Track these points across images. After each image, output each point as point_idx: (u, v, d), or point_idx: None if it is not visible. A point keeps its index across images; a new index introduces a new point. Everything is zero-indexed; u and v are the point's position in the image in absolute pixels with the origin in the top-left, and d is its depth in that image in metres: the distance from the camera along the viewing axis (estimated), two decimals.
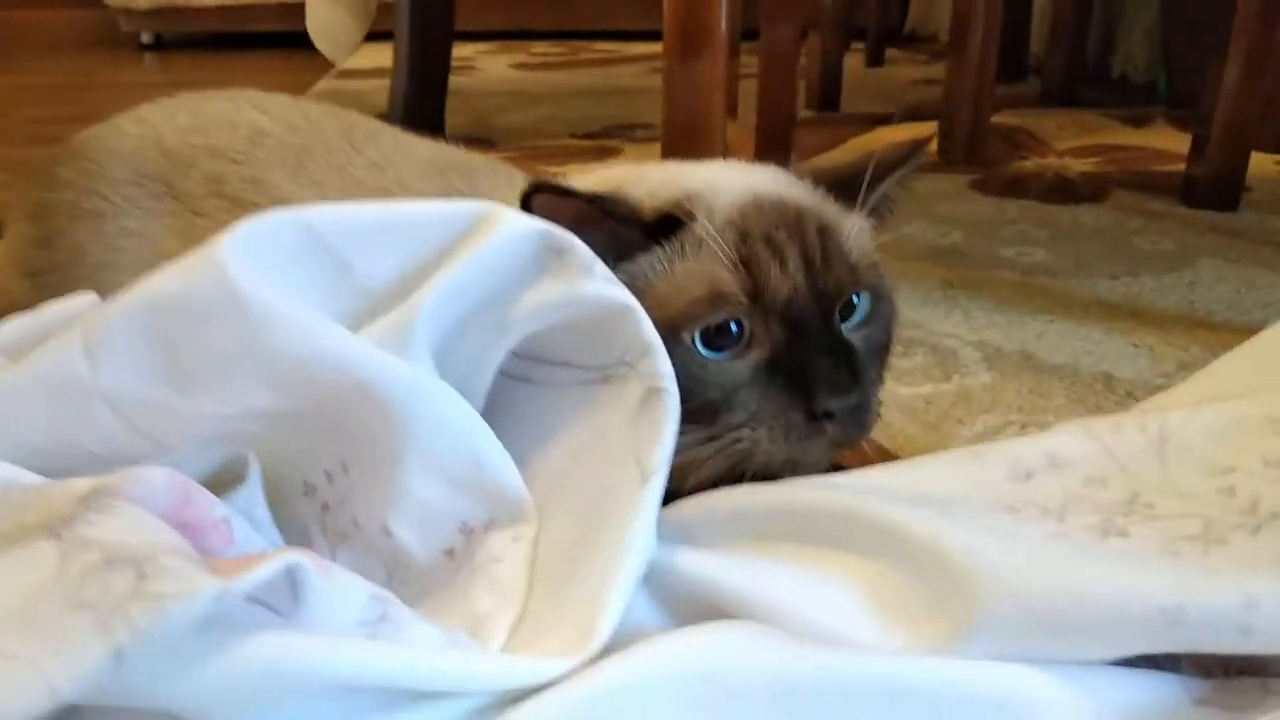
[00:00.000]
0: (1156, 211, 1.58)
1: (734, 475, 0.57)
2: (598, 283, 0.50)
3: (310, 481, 0.56)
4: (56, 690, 0.30)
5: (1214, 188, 1.61)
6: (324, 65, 3.38)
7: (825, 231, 0.61)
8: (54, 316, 0.60)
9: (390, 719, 0.39)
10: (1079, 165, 1.86)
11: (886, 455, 0.64)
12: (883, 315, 0.64)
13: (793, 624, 0.46)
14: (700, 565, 0.48)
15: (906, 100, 2.57)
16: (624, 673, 0.41)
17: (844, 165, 0.70)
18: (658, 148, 2.06)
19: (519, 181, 0.86)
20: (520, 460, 0.52)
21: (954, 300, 1.19)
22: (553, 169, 1.87)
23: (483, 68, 3.22)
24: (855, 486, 0.53)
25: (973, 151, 1.88)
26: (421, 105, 2.11)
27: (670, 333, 0.56)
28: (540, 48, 3.64)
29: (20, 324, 0.59)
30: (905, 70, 3.15)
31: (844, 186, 0.67)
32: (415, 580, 0.52)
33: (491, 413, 0.55)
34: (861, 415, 0.58)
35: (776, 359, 0.58)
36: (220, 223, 0.83)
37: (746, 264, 0.58)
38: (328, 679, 0.36)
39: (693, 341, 0.57)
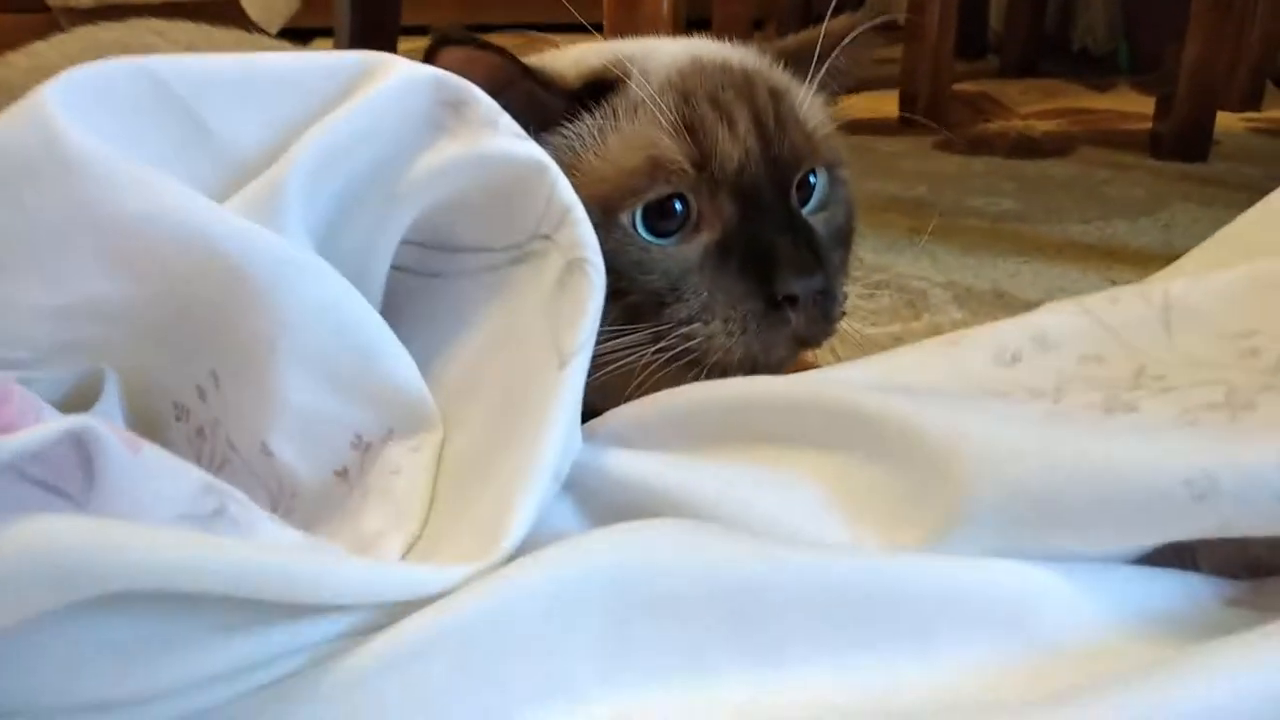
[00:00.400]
0: (1126, 164, 1.52)
1: (684, 379, 0.49)
2: (503, 138, 0.42)
3: (181, 403, 0.47)
4: None
5: (1181, 140, 1.57)
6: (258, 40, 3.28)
7: (777, 95, 0.54)
8: None
9: (226, 645, 0.30)
10: (1043, 126, 1.81)
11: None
12: (842, 197, 0.57)
13: (748, 527, 0.38)
14: (630, 466, 0.40)
15: (863, 76, 2.52)
16: (532, 577, 0.33)
17: (792, 40, 0.63)
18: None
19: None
20: (426, 364, 0.44)
21: (921, 247, 1.12)
22: None
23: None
24: (817, 379, 0.46)
25: (935, 117, 1.83)
26: None
27: (604, 213, 0.48)
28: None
29: None
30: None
31: (794, 58, 0.60)
32: (302, 507, 0.44)
33: (391, 315, 0.46)
34: (827, 305, 0.51)
35: (729, 240, 0.50)
36: None
37: (690, 128, 0.50)
38: (132, 580, 0.27)
39: (632, 224, 0.50)
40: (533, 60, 0.60)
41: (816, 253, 0.50)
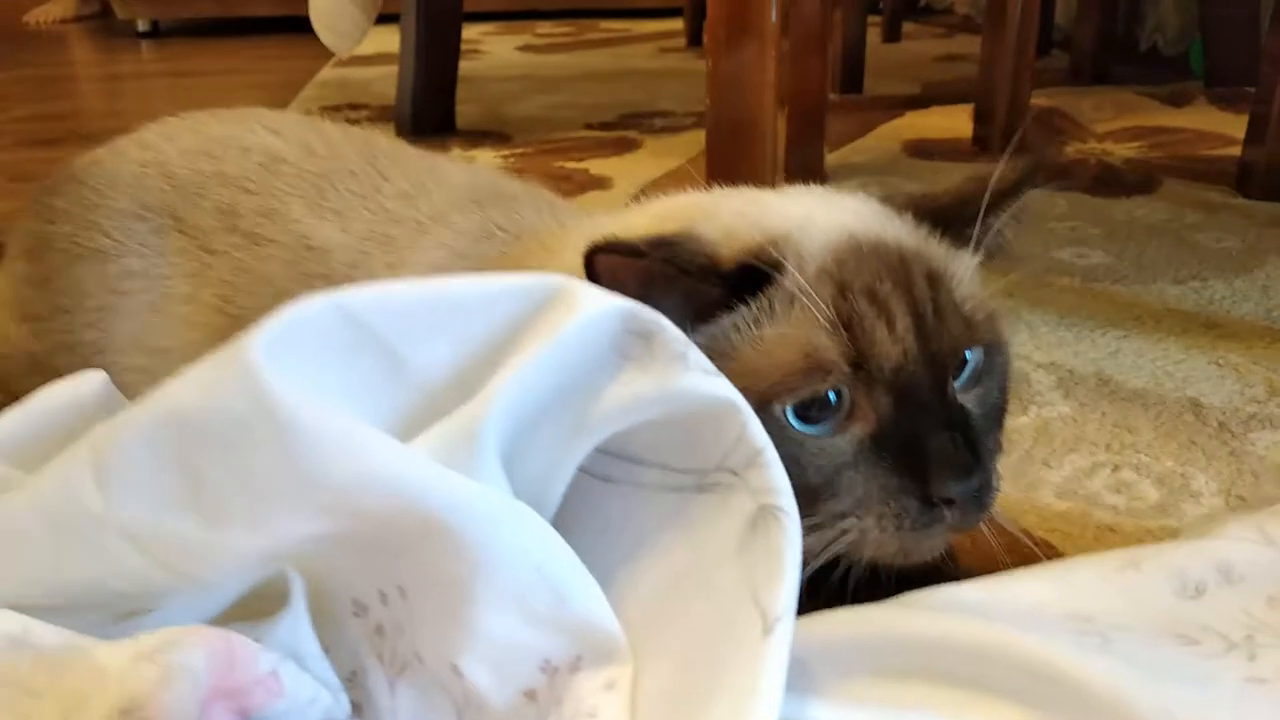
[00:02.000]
0: (1213, 203, 1.49)
1: (835, 566, 0.49)
2: (694, 375, 0.42)
3: (361, 601, 0.48)
4: None
5: (1271, 174, 1.52)
6: (324, 52, 3.27)
7: (935, 280, 0.53)
8: (57, 407, 0.52)
9: None
10: (1122, 150, 1.77)
11: (1004, 534, 0.56)
12: (998, 369, 0.56)
13: None
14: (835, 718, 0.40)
15: (929, 78, 2.47)
16: None
17: (944, 195, 0.62)
18: (678, 140, 1.98)
19: (560, 210, 0.78)
20: (604, 579, 0.45)
21: (1016, 313, 1.11)
22: (569, 164, 1.78)
23: (489, 50, 3.11)
24: (987, 606, 0.45)
25: (1010, 138, 1.79)
26: (431, 97, 2.01)
27: (758, 404, 0.48)
28: (546, 28, 3.53)
29: (18, 419, 0.51)
30: (924, 46, 3.05)
31: (946, 219, 0.59)
32: None
33: (565, 514, 0.47)
34: (983, 497, 0.51)
35: (883, 433, 0.50)
36: (235, 261, 0.76)
37: (847, 325, 0.49)
38: None
39: (784, 414, 0.50)
40: (677, 212, 0.59)
41: (975, 449, 0.50)
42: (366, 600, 0.48)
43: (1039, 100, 2.12)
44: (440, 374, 0.44)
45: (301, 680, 0.42)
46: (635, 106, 2.25)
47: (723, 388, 0.43)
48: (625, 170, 1.74)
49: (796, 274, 0.50)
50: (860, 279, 0.51)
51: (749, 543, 0.42)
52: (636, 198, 1.48)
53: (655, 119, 2.13)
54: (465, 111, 2.13)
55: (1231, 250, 1.30)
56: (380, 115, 2.19)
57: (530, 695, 0.44)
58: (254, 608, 0.49)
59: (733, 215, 0.56)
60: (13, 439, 0.50)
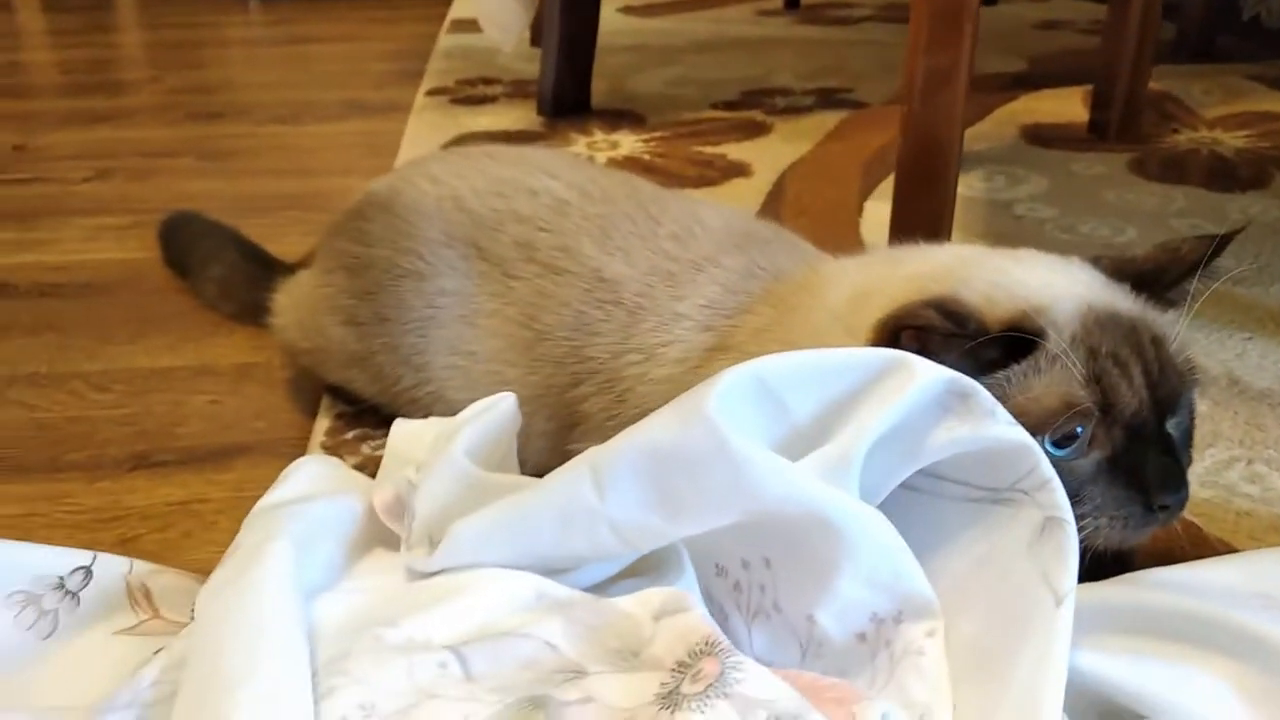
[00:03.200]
0: None
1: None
2: (1000, 426, 0.61)
3: (722, 565, 0.68)
4: None
5: None
6: (431, 12, 3.41)
7: (1158, 343, 0.71)
8: (496, 419, 0.72)
9: None
10: (1232, 140, 1.89)
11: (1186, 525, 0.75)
12: (1192, 404, 0.74)
13: (1176, 715, 0.58)
14: (1096, 665, 0.59)
15: (1033, 51, 2.57)
16: None
17: (1144, 261, 0.78)
18: (805, 122, 2.12)
19: (806, 252, 0.96)
20: (921, 562, 0.64)
21: None
22: (708, 150, 1.94)
23: None
24: (1187, 584, 0.64)
25: (1128, 125, 1.91)
26: (570, 75, 2.16)
27: None
28: None
29: (472, 429, 0.71)
30: (1021, 10, 3.12)
31: (1147, 284, 0.76)
32: (828, 656, 0.65)
33: (886, 514, 0.66)
34: (1184, 499, 0.69)
35: (1117, 458, 0.68)
36: (536, 286, 0.95)
37: (1098, 380, 0.68)
38: None
39: (1043, 442, 0.68)
40: (937, 277, 0.77)
41: (1183, 468, 0.68)
42: (728, 565, 0.68)
43: (1152, 85, 2.24)
44: (807, 417, 0.63)
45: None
46: (753, 82, 2.39)
47: (1022, 436, 0.61)
48: (760, 155, 1.90)
49: (1058, 342, 0.68)
50: (1105, 344, 0.69)
51: (1037, 543, 0.61)
52: (778, 196, 1.64)
53: (776, 97, 2.28)
54: (594, 87, 2.28)
55: None
56: (516, 92, 2.35)
57: (861, 637, 0.64)
58: (642, 567, 0.69)
59: (988, 285, 0.73)
60: (475, 445, 0.70)
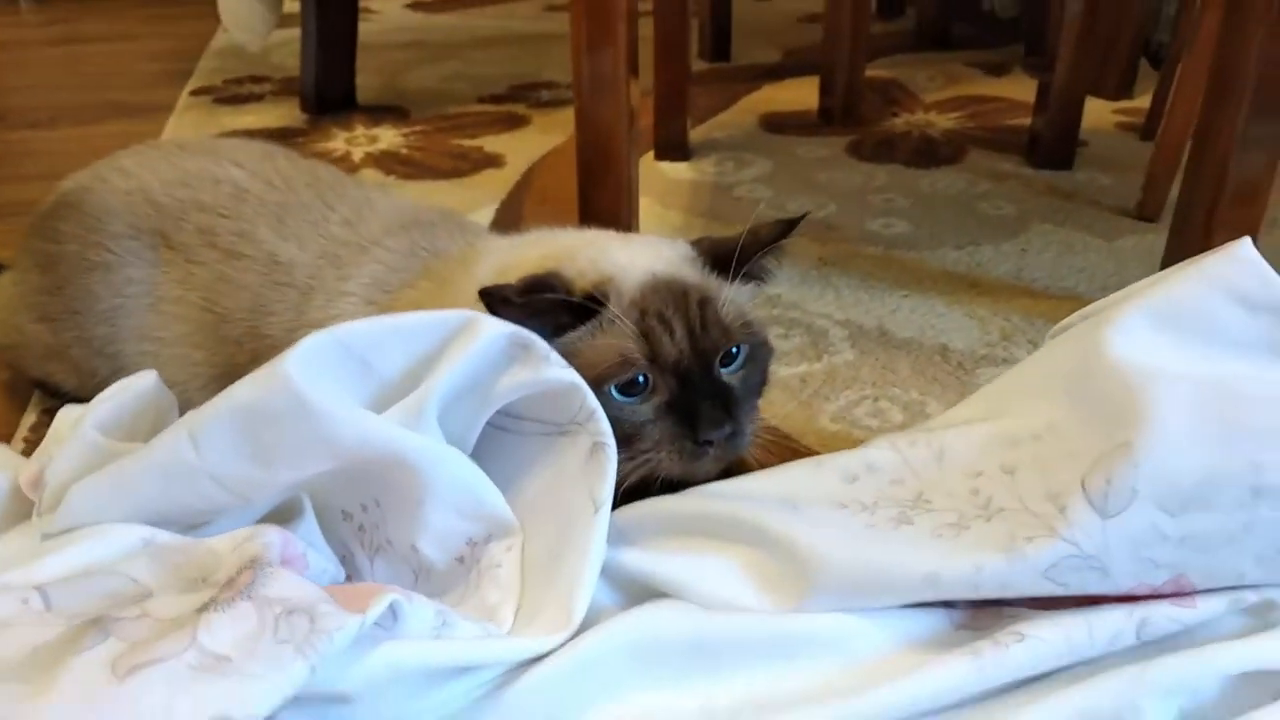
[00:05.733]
0: (1004, 173, 1.83)
1: (646, 482, 0.81)
2: (554, 369, 0.73)
3: (347, 510, 0.78)
4: (283, 691, 0.53)
5: (1053, 143, 1.86)
6: (213, 11, 3.36)
7: (705, 303, 0.84)
8: (133, 395, 0.80)
9: (450, 685, 0.62)
10: (943, 122, 2.11)
11: (776, 441, 0.89)
12: (760, 358, 0.88)
13: (700, 596, 0.71)
14: (638, 560, 0.73)
15: (791, 44, 2.77)
16: (592, 643, 0.66)
17: (725, 240, 0.92)
18: (562, 115, 2.23)
19: (469, 230, 1.06)
20: (503, 488, 0.75)
21: (827, 278, 1.44)
22: (466, 143, 2.03)
23: (379, 11, 3.27)
24: (735, 493, 0.78)
25: (850, 110, 2.11)
26: (333, 72, 2.21)
27: (595, 386, 0.79)
28: None
29: (108, 407, 0.78)
30: (792, 4, 3.32)
31: (728, 260, 0.90)
32: (435, 579, 0.76)
33: (479, 450, 0.77)
34: (736, 440, 0.83)
35: (672, 402, 0.81)
36: (216, 272, 1.03)
37: (646, 335, 0.81)
38: (421, 666, 0.59)
39: (611, 391, 0.81)
40: (552, 256, 0.88)
41: (729, 409, 0.82)
42: (351, 510, 0.78)
43: (883, 70, 2.46)
44: (395, 374, 0.74)
45: (317, 559, 0.72)
46: (523, 77, 2.49)
47: (572, 376, 0.73)
48: (516, 147, 2.00)
49: (615, 309, 0.80)
50: (654, 306, 0.81)
51: (588, 463, 0.73)
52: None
53: (542, 91, 2.38)
54: (365, 84, 2.33)
55: (1006, 217, 1.65)
56: (283, 89, 2.38)
57: (460, 559, 0.75)
58: (275, 519, 0.78)
59: (587, 262, 0.86)
60: (107, 418, 0.77)
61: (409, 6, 3.35)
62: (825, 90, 2.13)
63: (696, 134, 2.06)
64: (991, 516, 0.70)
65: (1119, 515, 0.66)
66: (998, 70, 2.44)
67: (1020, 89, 2.28)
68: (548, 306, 0.79)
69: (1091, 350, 0.74)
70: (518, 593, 0.72)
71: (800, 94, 2.28)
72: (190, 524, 0.74)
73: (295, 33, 2.20)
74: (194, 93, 2.39)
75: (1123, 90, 2.23)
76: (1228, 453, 0.67)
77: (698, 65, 2.61)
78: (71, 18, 3.45)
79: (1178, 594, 0.68)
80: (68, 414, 0.87)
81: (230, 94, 2.37)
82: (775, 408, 1.12)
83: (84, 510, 0.70)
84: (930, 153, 1.95)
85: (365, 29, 2.89)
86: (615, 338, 0.80)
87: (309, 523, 0.76)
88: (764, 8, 3.30)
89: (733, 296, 0.86)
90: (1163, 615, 0.67)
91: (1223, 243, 0.75)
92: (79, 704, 0.51)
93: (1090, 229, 1.60)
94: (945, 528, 0.71)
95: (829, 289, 1.42)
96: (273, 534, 0.66)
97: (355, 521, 0.78)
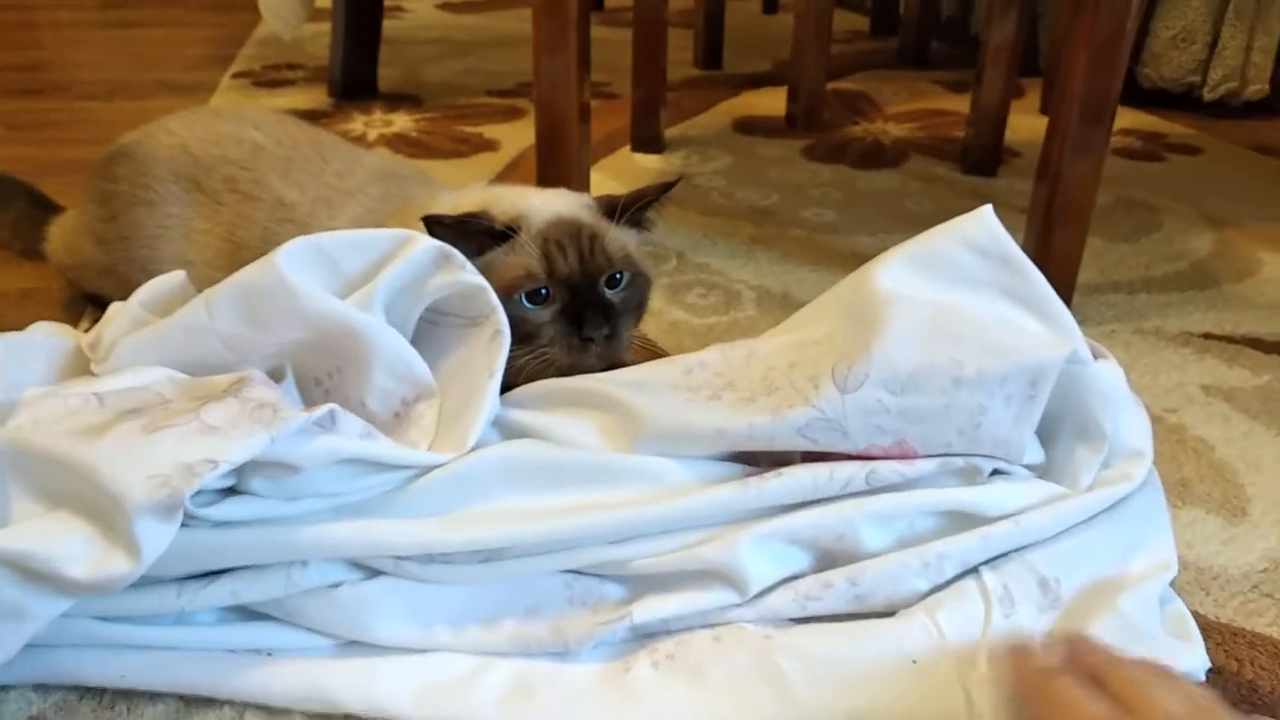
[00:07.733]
0: (936, 176, 2.11)
1: (542, 374, 1.11)
2: (468, 274, 1.03)
3: (318, 378, 1.08)
4: (252, 450, 0.83)
5: (979, 152, 2.14)
6: None
7: (594, 237, 1.14)
8: (167, 285, 1.11)
9: (370, 477, 0.92)
10: (896, 131, 2.39)
11: (648, 349, 1.18)
12: (639, 285, 1.17)
13: (558, 440, 1.00)
14: (519, 416, 1.02)
15: (780, 56, 3.06)
16: (475, 459, 0.95)
17: (617, 195, 1.21)
18: None
19: (434, 185, 1.37)
20: (430, 365, 1.05)
21: (751, 253, 1.73)
22: (469, 129, 2.34)
23: (411, 10, 3.61)
24: (601, 378, 1.07)
25: (812, 117, 2.40)
26: (357, 63, 2.54)
27: (506, 295, 1.08)
28: None
29: (148, 290, 1.10)
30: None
31: (613, 210, 1.19)
32: (379, 428, 1.05)
33: (414, 341, 1.07)
34: (614, 342, 1.12)
35: (565, 308, 1.11)
36: (237, 211, 1.34)
37: (546, 257, 1.10)
38: (352, 454, 0.89)
39: (519, 300, 1.10)
40: (482, 201, 1.18)
41: (608, 316, 1.11)
42: (320, 377, 1.08)
43: (856, 83, 2.74)
44: (354, 271, 1.04)
45: (295, 408, 1.01)
46: (530, 74, 2.79)
47: (481, 280, 1.03)
48: (511, 135, 2.31)
49: (525, 236, 1.10)
50: (554, 236, 1.11)
51: (489, 345, 1.03)
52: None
53: None
54: (388, 75, 2.67)
55: (924, 212, 1.93)
56: (314, 76, 2.71)
57: (397, 415, 1.05)
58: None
59: (508, 204, 1.16)
60: (148, 300, 1.08)
61: (439, 6, 3.68)
62: (791, 98, 2.42)
63: (674, 131, 2.35)
64: (771, 393, 0.99)
65: (855, 392, 0.94)
66: (960, 87, 2.71)
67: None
68: (474, 231, 1.09)
69: (862, 283, 1.02)
70: (432, 434, 1.01)
71: (775, 101, 2.57)
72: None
73: (327, 26, 2.53)
74: (235, 75, 2.73)
75: None
76: (937, 351, 0.95)
77: (689, 72, 2.91)
78: (130, 4, 3.83)
79: (902, 456, 0.96)
80: (115, 306, 1.18)
81: (267, 78, 2.71)
82: (683, 348, 1.41)
83: (127, 358, 1.01)
84: (876, 156, 2.23)
85: (395, 25, 3.24)
86: (524, 257, 1.10)
87: (289, 384, 1.06)
88: (765, 21, 3.59)
89: (617, 235, 1.16)
90: (888, 469, 0.95)
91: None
92: (122, 445, 0.81)
93: None
94: (740, 402, 1.00)
95: (751, 261, 1.70)
96: (258, 375, 0.96)
97: (323, 386, 1.08)
